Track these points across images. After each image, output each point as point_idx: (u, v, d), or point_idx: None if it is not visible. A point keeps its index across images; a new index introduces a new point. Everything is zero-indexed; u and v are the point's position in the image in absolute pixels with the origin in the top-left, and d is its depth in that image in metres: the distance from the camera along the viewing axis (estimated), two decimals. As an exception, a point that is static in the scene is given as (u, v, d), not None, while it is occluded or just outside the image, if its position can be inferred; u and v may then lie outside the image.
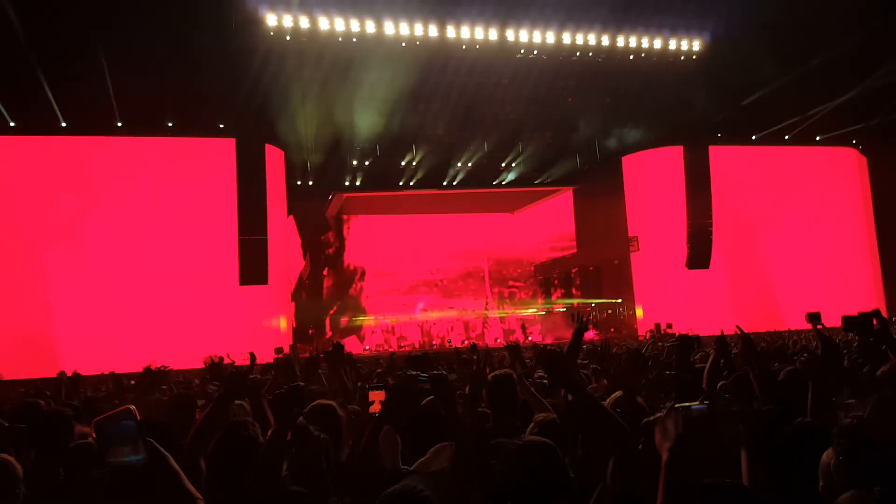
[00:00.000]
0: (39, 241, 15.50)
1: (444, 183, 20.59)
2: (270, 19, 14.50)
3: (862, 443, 1.75)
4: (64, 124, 15.44)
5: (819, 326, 3.49)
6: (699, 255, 17.18)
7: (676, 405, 1.63)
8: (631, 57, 16.55)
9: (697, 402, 1.75)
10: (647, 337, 18.64)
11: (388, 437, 2.58)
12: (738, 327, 3.22)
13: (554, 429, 2.21)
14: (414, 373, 2.45)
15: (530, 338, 20.12)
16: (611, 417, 1.70)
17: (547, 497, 1.48)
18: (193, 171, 16.55)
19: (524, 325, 21.17)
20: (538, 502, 1.53)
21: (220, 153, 15.87)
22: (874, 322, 3.40)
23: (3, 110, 14.66)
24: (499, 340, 20.92)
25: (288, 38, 14.63)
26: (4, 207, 15.30)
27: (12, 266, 15.23)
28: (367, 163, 19.63)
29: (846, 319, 3.44)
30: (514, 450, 1.52)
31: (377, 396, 2.75)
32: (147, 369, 4.84)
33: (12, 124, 15.16)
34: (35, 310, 15.12)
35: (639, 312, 20.00)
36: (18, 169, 15.53)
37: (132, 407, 1.31)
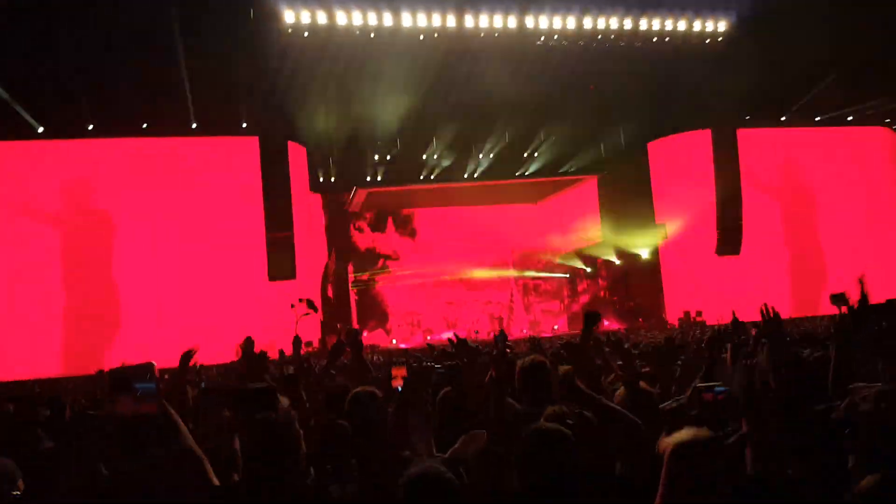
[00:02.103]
0: (68, 242, 15.90)
1: (466, 175, 20.48)
2: (288, 16, 14.56)
3: (879, 429, 1.65)
4: (90, 127, 15.75)
5: (845, 308, 3.23)
6: (729, 241, 16.79)
7: (698, 384, 1.57)
8: (654, 40, 16.24)
9: (719, 384, 1.69)
10: (676, 326, 18.35)
11: (419, 424, 2.56)
12: (764, 306, 2.94)
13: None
14: (429, 363, 2.43)
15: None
16: (614, 411, 1.64)
17: (559, 483, 1.44)
18: (219, 170, 16.76)
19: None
20: (554, 489, 1.49)
21: (243, 151, 16.04)
22: None
23: (29, 117, 14.94)
24: (525, 331, 20.81)
25: (306, 34, 14.69)
26: (33, 211, 15.69)
27: (46, 268, 15.64)
28: (388, 157, 19.62)
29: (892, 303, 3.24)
30: (526, 436, 1.48)
31: (399, 372, 2.79)
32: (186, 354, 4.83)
33: (40, 129, 15.49)
34: (67, 309, 15.53)
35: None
36: (47, 174, 15.87)
37: (153, 363, 1.31)
